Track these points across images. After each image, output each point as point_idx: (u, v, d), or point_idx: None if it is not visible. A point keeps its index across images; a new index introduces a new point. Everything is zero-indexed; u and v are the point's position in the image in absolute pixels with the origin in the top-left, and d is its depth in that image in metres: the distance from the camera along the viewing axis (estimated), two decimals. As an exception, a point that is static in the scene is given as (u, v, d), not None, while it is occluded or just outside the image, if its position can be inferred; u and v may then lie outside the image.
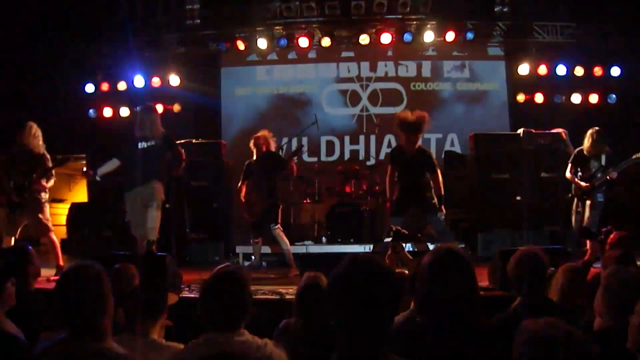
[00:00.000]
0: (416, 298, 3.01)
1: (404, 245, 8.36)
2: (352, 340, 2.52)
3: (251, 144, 9.72)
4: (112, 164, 8.48)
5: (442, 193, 8.86)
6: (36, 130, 8.77)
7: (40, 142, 8.78)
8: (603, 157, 9.00)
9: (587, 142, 9.05)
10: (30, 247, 5.43)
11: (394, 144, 13.28)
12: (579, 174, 9.10)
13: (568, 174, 9.23)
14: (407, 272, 5.30)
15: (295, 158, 10.55)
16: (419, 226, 9.86)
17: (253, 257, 9.98)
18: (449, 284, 2.95)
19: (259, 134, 9.78)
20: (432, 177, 8.86)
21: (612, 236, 6.45)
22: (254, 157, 9.72)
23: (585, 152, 9.06)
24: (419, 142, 8.93)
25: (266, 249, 10.21)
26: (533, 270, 4.25)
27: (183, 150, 8.61)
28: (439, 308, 2.94)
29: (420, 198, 8.74)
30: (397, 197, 8.87)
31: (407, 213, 8.84)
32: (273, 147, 9.83)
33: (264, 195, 9.47)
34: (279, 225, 9.47)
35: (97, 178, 8.55)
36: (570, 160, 9.24)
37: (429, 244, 10.26)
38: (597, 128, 9.09)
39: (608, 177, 8.84)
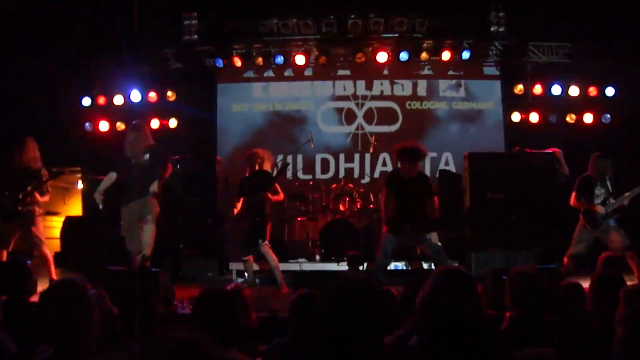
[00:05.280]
0: (418, 318, 2.97)
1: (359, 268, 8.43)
2: (342, 356, 2.55)
3: (246, 158, 9.74)
4: (109, 179, 8.49)
5: (437, 218, 8.89)
6: (34, 146, 8.80)
7: (37, 158, 8.80)
8: (609, 183, 9.01)
9: (591, 168, 9.08)
10: (28, 262, 5.43)
11: (388, 162, 13.34)
12: (582, 201, 9.09)
13: (574, 203, 9.17)
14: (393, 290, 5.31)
15: (284, 172, 10.50)
16: (413, 245, 9.87)
17: (246, 275, 9.96)
18: (457, 306, 2.89)
19: (254, 151, 9.78)
20: (428, 202, 8.87)
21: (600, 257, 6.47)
22: (247, 174, 9.73)
23: (591, 178, 9.07)
24: (419, 168, 8.98)
25: (256, 266, 10.15)
26: (530, 290, 4.26)
27: (170, 165, 8.65)
28: (443, 330, 2.91)
29: (414, 218, 8.75)
30: (392, 216, 8.87)
31: (402, 232, 8.85)
32: (269, 166, 9.83)
33: (253, 212, 9.47)
34: (267, 242, 9.44)
35: (100, 205, 8.48)
36: (574, 188, 9.18)
37: (422, 263, 10.30)
38: (598, 152, 9.12)
39: (624, 204, 8.87)
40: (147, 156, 8.30)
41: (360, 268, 8.77)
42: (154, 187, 8.31)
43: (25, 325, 4.39)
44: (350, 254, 8.59)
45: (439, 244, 8.90)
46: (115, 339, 4.00)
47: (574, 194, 9.16)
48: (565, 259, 9.10)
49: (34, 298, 5.56)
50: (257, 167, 9.62)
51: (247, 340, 4.79)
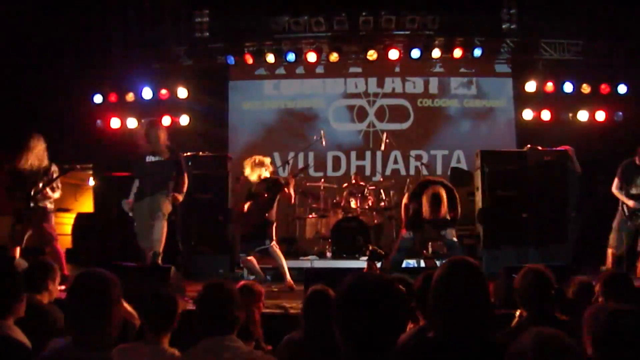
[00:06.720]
0: (428, 311, 2.97)
1: (377, 264, 8.39)
2: (358, 355, 2.53)
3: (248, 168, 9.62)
4: (135, 186, 8.55)
5: (458, 217, 8.88)
6: (41, 143, 8.82)
7: (45, 154, 8.83)
8: None
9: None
10: (53, 264, 5.45)
11: (400, 160, 13.36)
12: (622, 191, 9.14)
13: (615, 190, 9.28)
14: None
15: (298, 176, 10.42)
16: (431, 241, 9.85)
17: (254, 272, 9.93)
18: (464, 294, 2.89)
19: (262, 160, 9.65)
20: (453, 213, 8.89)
21: None
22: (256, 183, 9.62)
23: (635, 165, 9.11)
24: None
25: (267, 264, 10.06)
26: (539, 288, 4.24)
27: (186, 175, 8.65)
28: (453, 320, 2.90)
29: (435, 215, 8.76)
30: (412, 213, 8.86)
31: (421, 228, 8.87)
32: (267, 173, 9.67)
33: (259, 211, 9.41)
34: (274, 242, 9.40)
35: (130, 213, 8.51)
36: (617, 175, 9.27)
37: (436, 261, 10.27)
38: None
39: None
40: (162, 156, 8.34)
41: (378, 265, 8.75)
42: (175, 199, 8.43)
43: (42, 325, 4.42)
44: (371, 248, 8.52)
45: (455, 239, 8.87)
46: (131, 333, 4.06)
47: (616, 180, 9.26)
48: (610, 251, 9.17)
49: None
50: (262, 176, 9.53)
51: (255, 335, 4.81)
